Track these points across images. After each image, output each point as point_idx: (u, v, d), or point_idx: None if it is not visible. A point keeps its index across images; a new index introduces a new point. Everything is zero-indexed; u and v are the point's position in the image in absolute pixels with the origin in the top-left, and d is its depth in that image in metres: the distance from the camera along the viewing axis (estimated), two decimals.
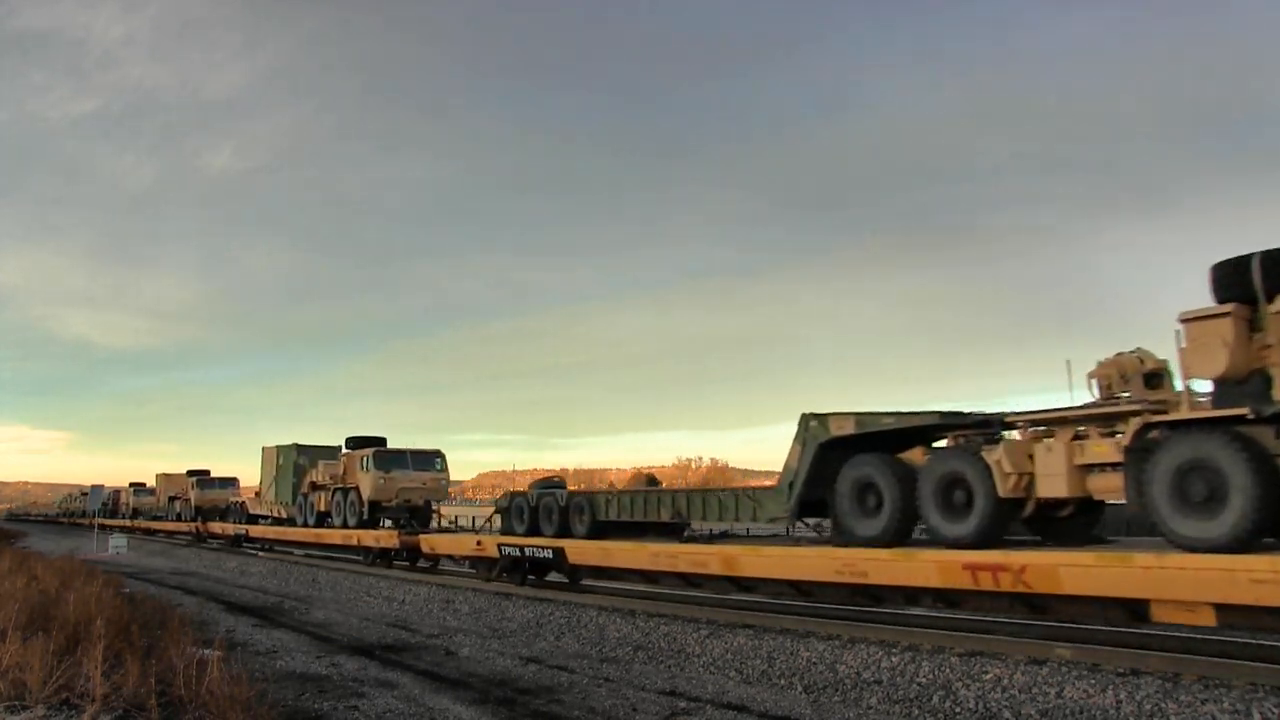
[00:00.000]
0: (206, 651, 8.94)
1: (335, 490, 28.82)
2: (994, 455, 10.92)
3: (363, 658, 11.90)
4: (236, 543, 38.76)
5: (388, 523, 26.41)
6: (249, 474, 42.26)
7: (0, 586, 13.00)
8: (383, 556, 25.58)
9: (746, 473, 77.00)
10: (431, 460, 27.60)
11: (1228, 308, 9.26)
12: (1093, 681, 9.02)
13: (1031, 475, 10.72)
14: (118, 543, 37.06)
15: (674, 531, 17.16)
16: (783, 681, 10.40)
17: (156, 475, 55.35)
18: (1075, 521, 11.38)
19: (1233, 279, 9.43)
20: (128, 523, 57.10)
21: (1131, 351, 10.39)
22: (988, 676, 9.61)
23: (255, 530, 36.89)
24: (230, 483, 46.32)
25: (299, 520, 31.84)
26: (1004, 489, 10.74)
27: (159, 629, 11.53)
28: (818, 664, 10.90)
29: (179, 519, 49.75)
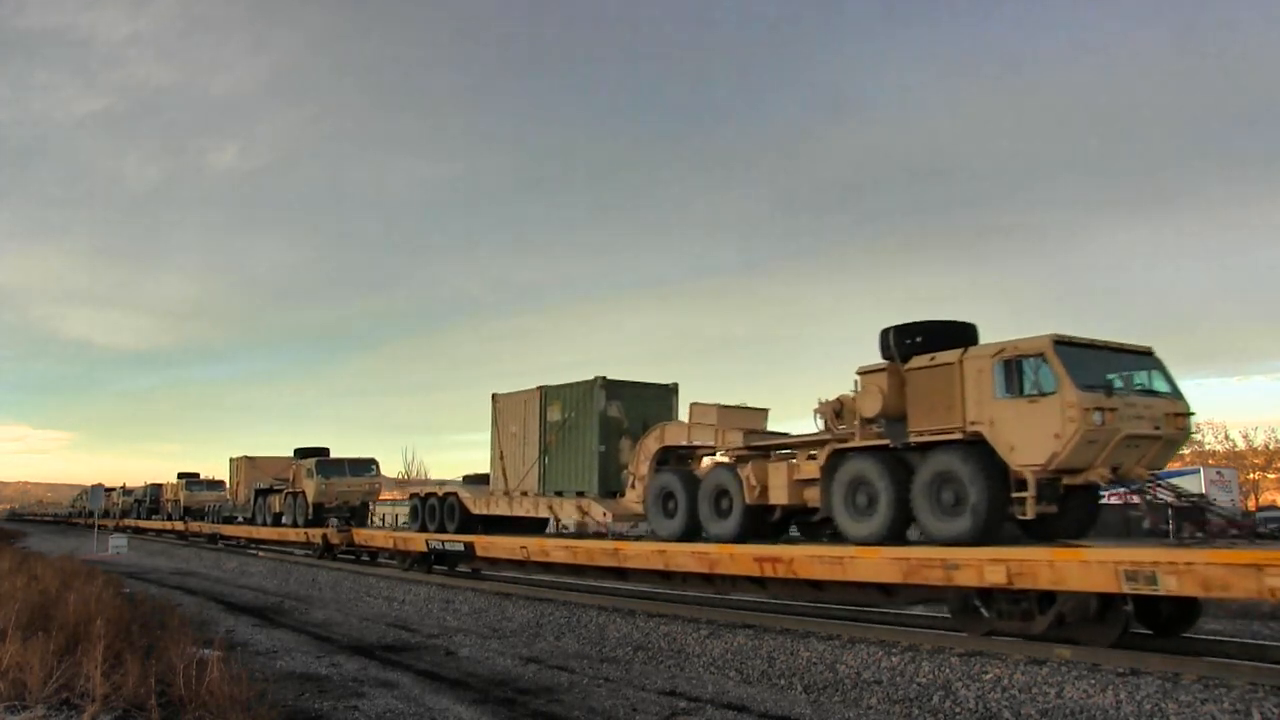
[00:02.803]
0: (206, 651, 8.95)
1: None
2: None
3: (363, 658, 11.91)
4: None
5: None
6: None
7: (0, 586, 13.00)
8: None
9: None
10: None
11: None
12: (1092, 681, 9.02)
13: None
14: (118, 543, 37.17)
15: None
16: (783, 681, 10.41)
17: (233, 459, 40.90)
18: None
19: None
20: (177, 524, 48.47)
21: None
22: (987, 676, 9.61)
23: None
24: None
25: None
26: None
27: (159, 629, 11.54)
28: (818, 664, 10.90)
29: (277, 523, 33.60)
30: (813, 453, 13.38)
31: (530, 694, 9.57)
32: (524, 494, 19.45)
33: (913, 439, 11.61)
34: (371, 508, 31.70)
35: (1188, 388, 11.74)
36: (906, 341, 12.12)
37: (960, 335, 12.04)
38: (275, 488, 34.46)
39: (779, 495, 13.53)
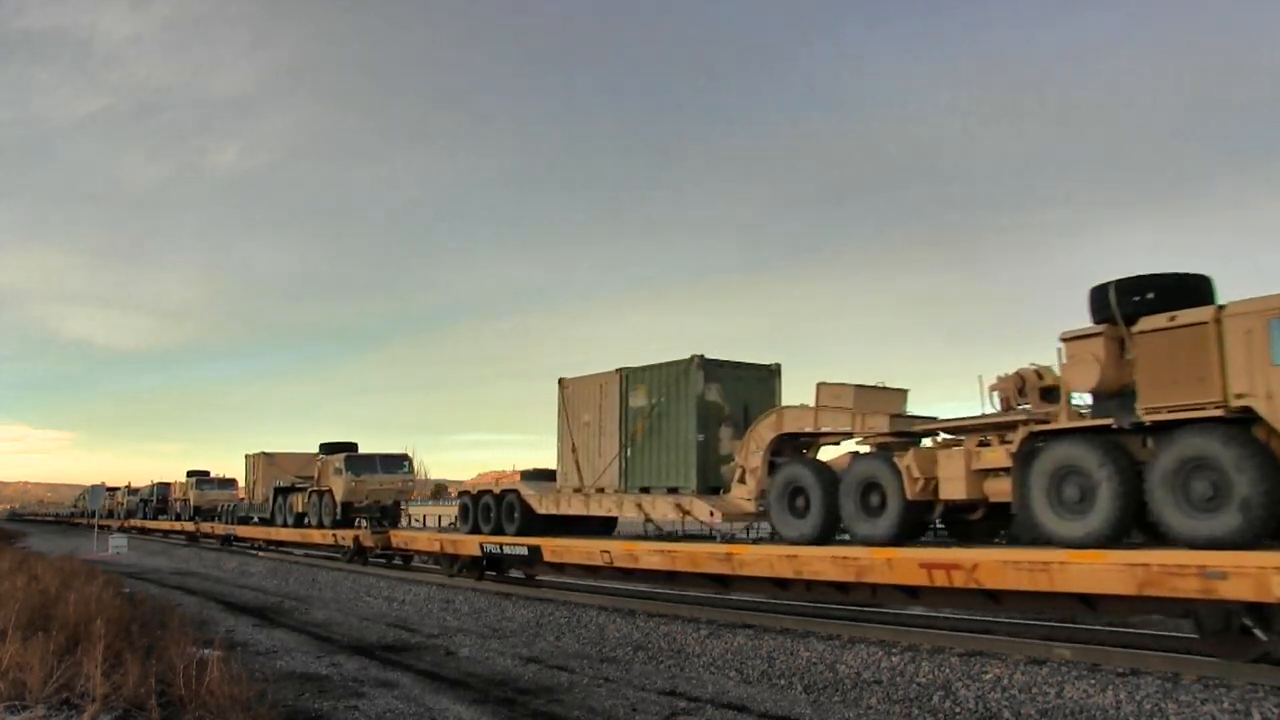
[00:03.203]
0: (206, 651, 8.95)
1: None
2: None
3: (363, 658, 11.90)
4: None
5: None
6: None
7: (0, 586, 13.00)
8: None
9: None
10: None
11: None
12: (1092, 681, 9.02)
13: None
14: (118, 543, 37.17)
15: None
16: (782, 681, 10.41)
17: (249, 456, 38.80)
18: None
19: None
20: (186, 525, 46.69)
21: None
22: (987, 676, 9.62)
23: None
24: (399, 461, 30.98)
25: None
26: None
27: (159, 629, 11.54)
28: (817, 664, 10.90)
29: (299, 523, 31.91)
30: (995, 438, 11.23)
31: (530, 694, 9.57)
32: (601, 491, 17.43)
33: (1145, 418, 9.58)
34: (404, 507, 30.08)
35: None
36: (1133, 299, 10.06)
37: (1198, 290, 10.04)
38: (298, 486, 32.82)
39: (953, 489, 11.36)
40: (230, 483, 45.40)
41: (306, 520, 31.12)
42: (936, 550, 11.37)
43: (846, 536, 12.85)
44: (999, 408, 11.33)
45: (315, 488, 30.56)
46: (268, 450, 37.72)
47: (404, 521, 29.31)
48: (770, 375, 16.55)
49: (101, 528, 51.99)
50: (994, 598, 11.10)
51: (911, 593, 12.06)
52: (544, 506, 18.81)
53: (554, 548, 17.92)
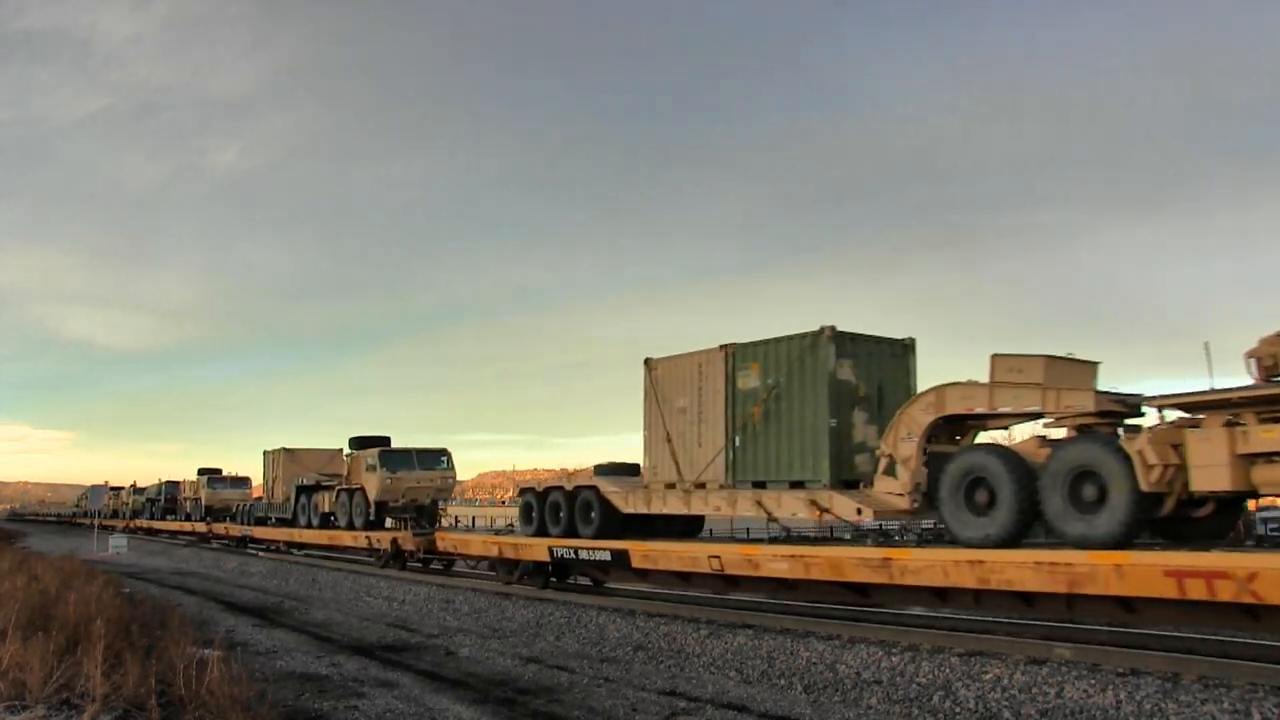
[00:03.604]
0: (206, 651, 8.94)
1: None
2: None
3: (363, 658, 11.90)
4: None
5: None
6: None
7: (0, 586, 13.00)
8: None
9: None
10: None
11: None
12: (1092, 681, 9.02)
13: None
14: (118, 543, 37.20)
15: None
16: (782, 681, 10.40)
17: (267, 452, 36.26)
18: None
19: None
20: (197, 526, 44.28)
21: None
22: (987, 676, 9.61)
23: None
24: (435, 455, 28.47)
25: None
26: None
27: (159, 629, 11.54)
28: (817, 664, 10.90)
29: (325, 524, 30.09)
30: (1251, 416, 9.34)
31: (530, 694, 9.57)
32: (701, 486, 15.38)
33: None
34: (443, 506, 27.98)
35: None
36: None
37: None
38: (323, 484, 30.82)
39: (1210, 478, 9.40)
40: (244, 481, 43.49)
41: (333, 520, 29.16)
42: (1184, 555, 9.33)
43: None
44: (1257, 378, 9.39)
45: (344, 485, 28.65)
46: (289, 446, 35.13)
47: (443, 522, 27.47)
48: (905, 351, 14.74)
49: (105, 528, 51.78)
50: (1252, 614, 9.07)
51: (1129, 606, 10.00)
52: (631, 505, 16.59)
53: (645, 551, 15.71)
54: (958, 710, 8.93)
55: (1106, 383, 11.25)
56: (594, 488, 17.43)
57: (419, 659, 11.86)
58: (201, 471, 45.93)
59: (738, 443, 14.82)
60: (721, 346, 15.35)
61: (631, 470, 17.85)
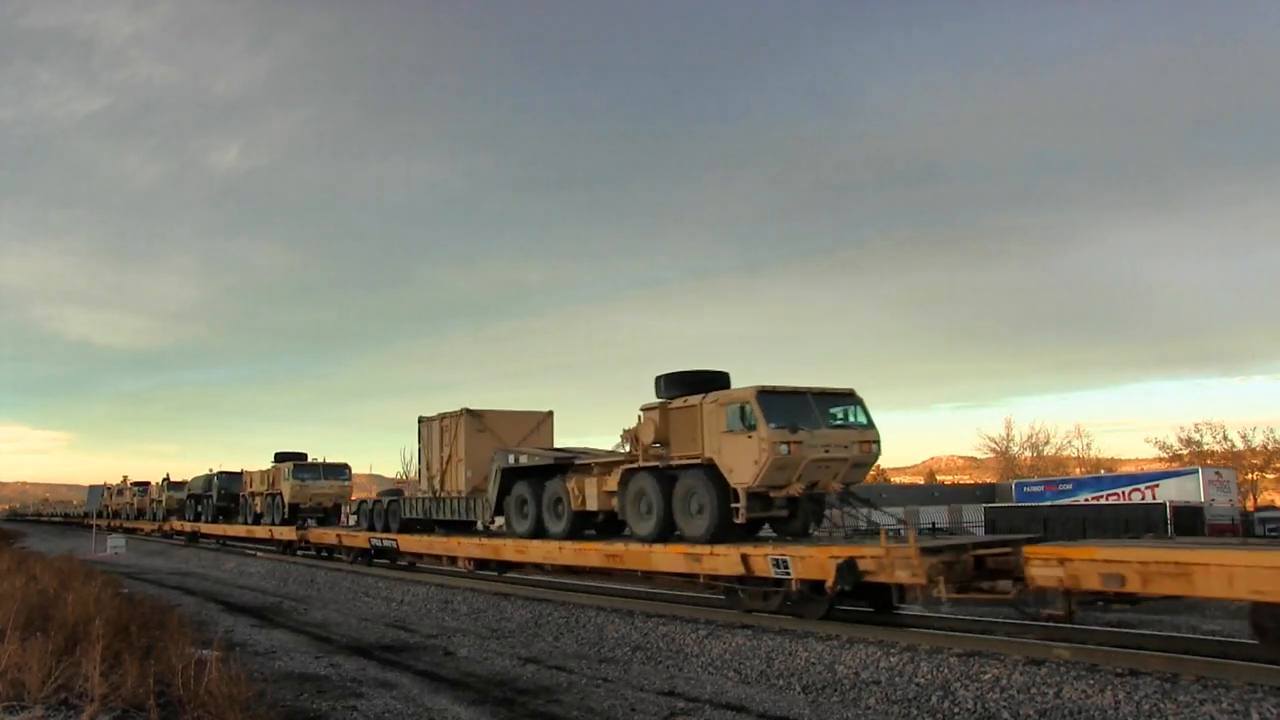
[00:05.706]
0: (205, 652, 8.95)
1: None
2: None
3: (361, 658, 11.90)
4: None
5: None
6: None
7: (0, 586, 12.99)
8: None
9: None
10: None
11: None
12: (1091, 682, 9.02)
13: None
14: (116, 543, 37.21)
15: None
16: (781, 682, 10.41)
17: (423, 419, 24.23)
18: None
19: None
20: (283, 531, 31.89)
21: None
22: (986, 677, 9.61)
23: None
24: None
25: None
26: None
27: (158, 629, 11.53)
28: (816, 664, 10.89)
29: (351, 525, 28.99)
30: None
31: (529, 694, 9.57)
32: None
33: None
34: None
35: (1186, 389, 11.29)
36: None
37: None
38: (536, 465, 25.72)
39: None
40: (341, 469, 33.78)
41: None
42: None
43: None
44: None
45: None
46: (472, 407, 22.18)
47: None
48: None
49: (129, 530, 51.07)
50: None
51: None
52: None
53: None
54: (956, 710, 8.94)
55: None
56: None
57: (418, 659, 11.86)
58: (281, 456, 34.59)
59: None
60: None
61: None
